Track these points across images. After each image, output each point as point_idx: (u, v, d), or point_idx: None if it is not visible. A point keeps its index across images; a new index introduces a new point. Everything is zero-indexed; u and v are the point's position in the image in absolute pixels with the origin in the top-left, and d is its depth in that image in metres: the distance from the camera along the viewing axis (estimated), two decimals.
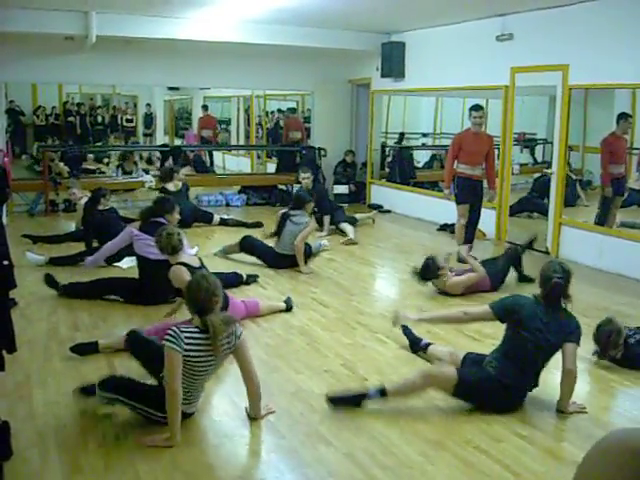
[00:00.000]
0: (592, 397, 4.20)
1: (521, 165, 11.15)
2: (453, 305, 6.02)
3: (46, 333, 5.11)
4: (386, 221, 10.67)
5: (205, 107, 17.14)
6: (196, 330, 3.42)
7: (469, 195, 7.56)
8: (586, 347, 4.90)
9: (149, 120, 20.35)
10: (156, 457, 3.31)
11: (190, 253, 7.02)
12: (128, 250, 6.29)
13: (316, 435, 3.56)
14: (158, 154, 14.30)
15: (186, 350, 3.36)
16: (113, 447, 3.37)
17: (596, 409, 4.01)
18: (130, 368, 4.28)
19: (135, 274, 5.95)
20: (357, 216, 9.80)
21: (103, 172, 14.41)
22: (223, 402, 3.90)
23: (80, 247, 7.37)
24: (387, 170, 12.35)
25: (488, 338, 4.88)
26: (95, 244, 7.19)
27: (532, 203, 10.04)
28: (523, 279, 6.53)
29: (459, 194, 7.64)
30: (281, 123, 15.54)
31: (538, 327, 3.73)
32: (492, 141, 7.75)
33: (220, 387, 3.89)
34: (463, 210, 7.58)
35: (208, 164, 15.34)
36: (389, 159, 12.71)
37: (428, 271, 6.14)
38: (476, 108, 7.57)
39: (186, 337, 3.37)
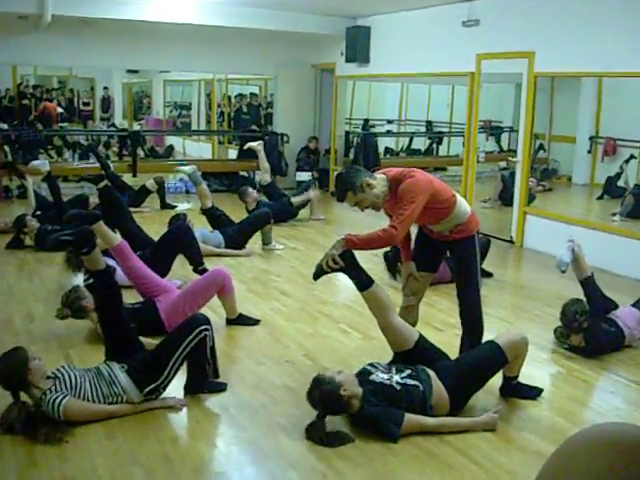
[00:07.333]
0: (554, 387, 4.20)
1: (487, 153, 11.16)
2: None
3: (0, 325, 4.93)
4: (350, 210, 10.56)
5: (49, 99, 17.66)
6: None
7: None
8: (547, 336, 4.91)
9: (106, 104, 19.91)
10: (114, 450, 3.23)
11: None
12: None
13: (277, 427, 3.49)
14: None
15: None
16: (70, 440, 3.26)
17: (558, 399, 4.00)
18: (85, 360, 4.15)
19: None
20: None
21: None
22: (180, 395, 3.79)
23: None
24: (351, 157, 12.23)
25: (452, 328, 4.84)
26: None
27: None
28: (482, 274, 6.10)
29: None
30: (244, 109, 15.20)
31: None
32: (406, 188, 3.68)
33: (177, 381, 3.78)
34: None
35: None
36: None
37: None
38: None
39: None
